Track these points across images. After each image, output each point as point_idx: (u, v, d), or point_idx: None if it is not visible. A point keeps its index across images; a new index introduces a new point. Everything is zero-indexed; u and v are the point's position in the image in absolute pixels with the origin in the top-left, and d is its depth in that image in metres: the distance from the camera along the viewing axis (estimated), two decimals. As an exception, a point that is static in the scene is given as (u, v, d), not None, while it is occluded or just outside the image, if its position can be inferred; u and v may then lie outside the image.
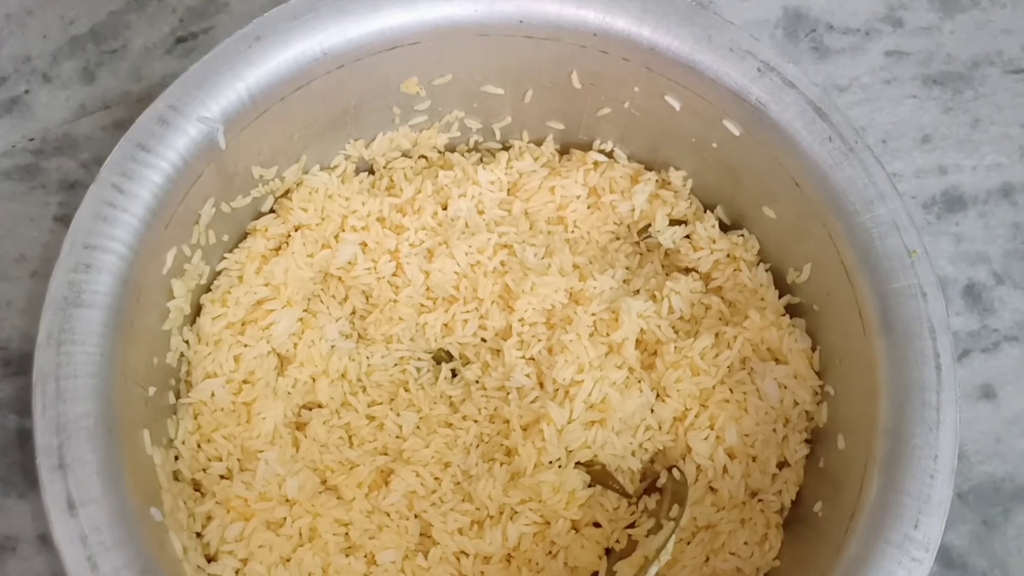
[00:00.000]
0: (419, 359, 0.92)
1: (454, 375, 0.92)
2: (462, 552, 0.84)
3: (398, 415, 0.88)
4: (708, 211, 0.93)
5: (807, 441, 0.86)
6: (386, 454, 0.88)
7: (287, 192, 0.89)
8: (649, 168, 0.94)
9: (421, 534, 0.86)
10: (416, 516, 0.85)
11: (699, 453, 0.85)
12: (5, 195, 0.97)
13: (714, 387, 0.86)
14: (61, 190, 0.98)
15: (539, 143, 0.96)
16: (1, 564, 0.88)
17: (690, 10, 0.80)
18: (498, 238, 0.91)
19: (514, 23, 0.81)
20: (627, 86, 0.85)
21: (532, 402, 0.86)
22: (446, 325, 0.90)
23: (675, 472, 0.85)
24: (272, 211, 0.89)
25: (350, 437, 0.88)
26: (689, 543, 0.85)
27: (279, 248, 0.89)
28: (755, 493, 0.86)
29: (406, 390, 0.90)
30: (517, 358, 0.87)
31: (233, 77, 0.75)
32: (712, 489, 0.86)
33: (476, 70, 0.86)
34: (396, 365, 0.92)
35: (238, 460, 0.82)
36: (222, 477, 0.82)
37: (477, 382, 0.90)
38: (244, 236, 0.89)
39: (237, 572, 0.78)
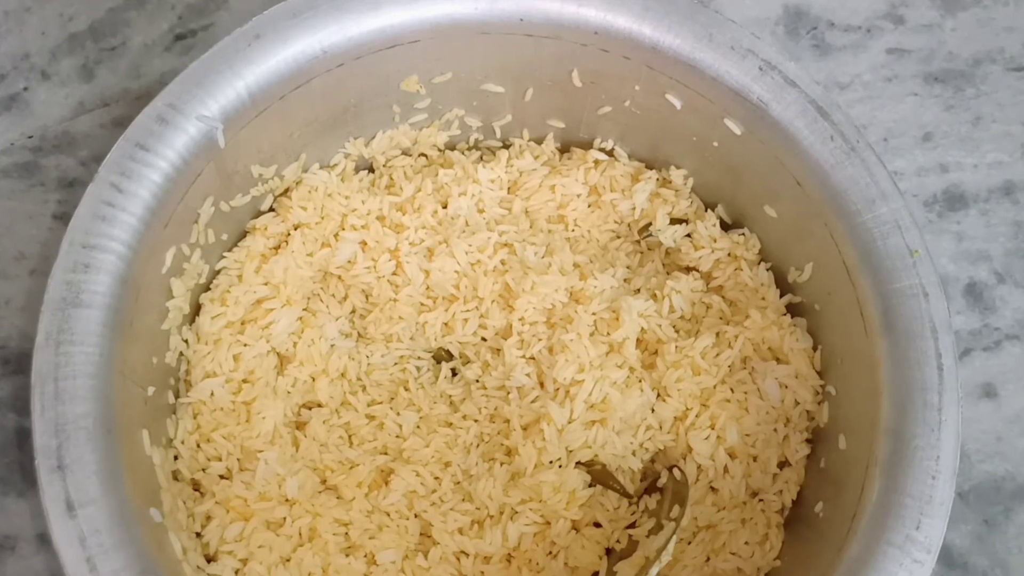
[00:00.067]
0: (419, 358, 0.92)
1: (454, 374, 0.92)
2: (462, 552, 0.84)
3: (398, 414, 0.88)
4: (709, 210, 0.93)
5: (808, 441, 0.86)
6: (386, 453, 0.88)
7: (286, 191, 0.89)
8: (650, 167, 0.94)
9: (421, 534, 0.85)
10: (416, 516, 0.85)
11: (700, 453, 0.85)
12: (4, 193, 0.97)
13: (715, 387, 0.86)
14: (60, 188, 0.98)
15: (539, 141, 0.96)
16: (0, 563, 0.88)
17: (691, 8, 0.80)
18: (498, 237, 0.91)
19: (515, 21, 0.80)
20: (628, 84, 0.85)
21: (532, 402, 0.86)
22: (446, 324, 0.90)
23: (676, 472, 0.85)
24: (271, 210, 0.89)
25: (350, 436, 0.88)
26: (690, 543, 0.85)
27: (278, 247, 0.88)
28: (756, 493, 0.86)
29: (406, 389, 0.90)
30: (517, 357, 0.87)
31: (232, 75, 0.75)
32: (713, 489, 0.86)
33: (476, 68, 0.86)
34: (396, 364, 0.91)
35: (238, 460, 0.82)
36: (222, 477, 0.82)
37: (477, 381, 0.89)
38: (243, 235, 0.88)
39: (237, 572, 0.78)
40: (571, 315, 0.87)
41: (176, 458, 0.80)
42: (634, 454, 0.87)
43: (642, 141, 0.92)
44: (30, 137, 0.99)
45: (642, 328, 0.88)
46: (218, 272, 0.86)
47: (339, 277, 0.90)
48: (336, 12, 0.77)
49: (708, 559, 0.84)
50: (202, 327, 0.83)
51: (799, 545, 0.82)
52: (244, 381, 0.84)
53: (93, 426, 0.66)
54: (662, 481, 0.86)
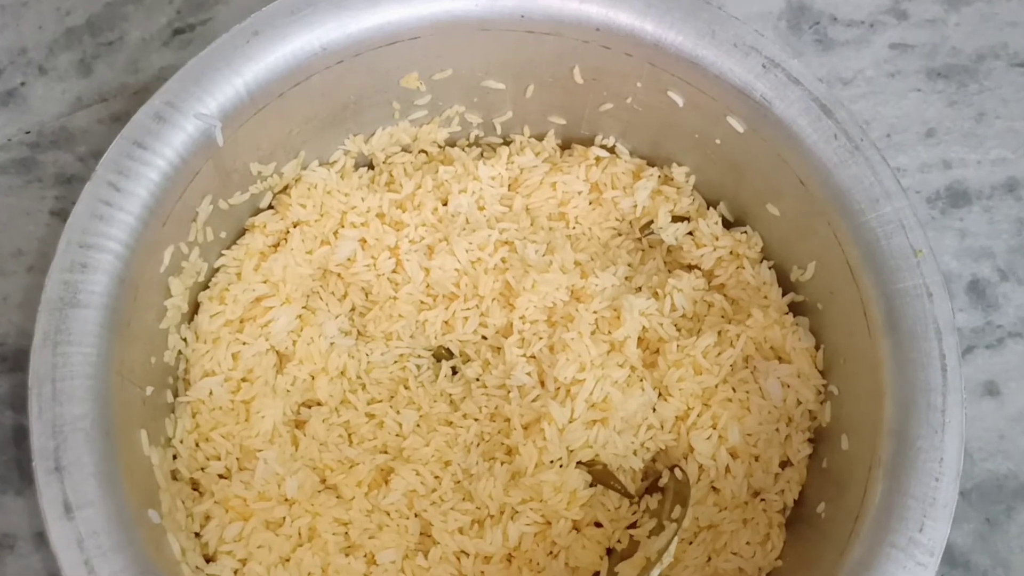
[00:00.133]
0: (419, 356, 0.91)
1: (454, 373, 0.91)
2: (462, 552, 0.84)
3: (398, 413, 0.88)
4: (711, 208, 0.93)
5: (810, 441, 0.85)
6: (386, 452, 0.87)
7: (286, 188, 0.88)
8: (651, 164, 0.93)
9: (421, 533, 0.85)
10: (416, 515, 0.85)
11: (701, 453, 0.84)
12: (1, 189, 0.97)
13: (716, 386, 0.86)
14: (57, 184, 0.97)
15: (540, 138, 0.95)
16: (-1, 562, 0.88)
17: (694, 5, 0.80)
18: (499, 234, 0.90)
19: (515, 18, 0.80)
20: (630, 81, 0.84)
21: (533, 401, 0.86)
22: (446, 322, 0.89)
23: (677, 472, 0.85)
24: (271, 207, 0.89)
25: (349, 435, 0.88)
26: (691, 543, 0.84)
27: (278, 245, 0.88)
28: (758, 493, 0.86)
29: (406, 388, 0.89)
30: (518, 356, 0.87)
31: (231, 73, 0.75)
32: (714, 489, 0.85)
33: (477, 65, 0.86)
34: (396, 362, 0.91)
35: (237, 459, 0.82)
36: (221, 476, 0.81)
37: (478, 380, 0.89)
38: (242, 233, 0.88)
39: (236, 572, 0.78)
40: (572, 313, 0.87)
41: (175, 457, 0.80)
42: (635, 454, 0.86)
43: (644, 138, 0.92)
44: (27, 133, 0.99)
45: (643, 327, 0.88)
46: (217, 270, 0.86)
47: (339, 275, 0.89)
48: (335, 9, 0.77)
49: (709, 559, 0.84)
50: (201, 326, 0.83)
51: (801, 545, 0.82)
52: (243, 380, 0.84)
53: (91, 427, 0.66)
54: (663, 481, 0.85)
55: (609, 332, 0.87)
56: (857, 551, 0.71)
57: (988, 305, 1.01)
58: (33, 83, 1.01)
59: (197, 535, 0.79)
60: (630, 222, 0.94)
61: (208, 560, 0.78)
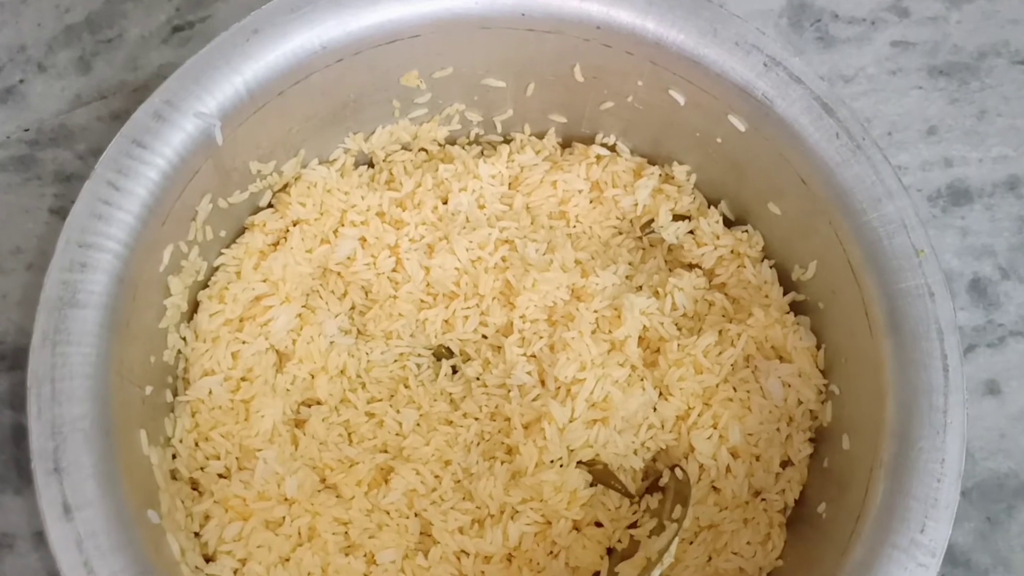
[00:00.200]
0: (419, 355, 0.91)
1: (454, 372, 0.91)
2: (462, 551, 0.83)
3: (398, 412, 0.88)
4: (712, 206, 0.92)
5: (811, 440, 0.85)
6: (386, 452, 0.87)
7: (285, 187, 0.88)
8: (652, 162, 0.93)
9: (421, 533, 0.85)
10: (416, 515, 0.85)
11: (702, 452, 0.84)
12: (0, 187, 0.96)
13: (717, 385, 0.86)
14: (57, 181, 0.97)
15: (541, 136, 0.95)
16: (-2, 561, 0.88)
17: (695, 3, 0.79)
18: (499, 233, 0.90)
19: (516, 16, 0.80)
20: (631, 80, 0.84)
21: (533, 400, 0.86)
22: (446, 321, 0.89)
23: (678, 471, 0.84)
24: (270, 206, 0.88)
25: (349, 434, 0.87)
26: (692, 543, 0.84)
27: (277, 243, 0.88)
28: (758, 492, 0.86)
29: (406, 387, 0.89)
30: (518, 355, 0.87)
31: (230, 71, 0.75)
32: (715, 488, 0.85)
33: (477, 63, 0.85)
34: (396, 361, 0.91)
35: (236, 459, 0.81)
36: (220, 476, 0.81)
37: (478, 379, 0.89)
38: (242, 231, 0.88)
39: (236, 572, 0.78)
40: (572, 312, 0.87)
41: (174, 457, 0.80)
42: (636, 453, 0.86)
43: (645, 136, 0.91)
44: (26, 130, 0.99)
45: (644, 326, 0.87)
46: (216, 269, 0.85)
47: (338, 274, 0.89)
48: (335, 7, 0.76)
49: (710, 559, 0.84)
50: (200, 325, 0.83)
51: (802, 545, 0.82)
52: (243, 379, 0.84)
53: (90, 428, 0.66)
54: (664, 481, 0.85)
55: (610, 331, 0.87)
56: (858, 552, 0.70)
57: (989, 304, 1.01)
58: (32, 80, 1.00)
59: (196, 535, 0.78)
60: (631, 221, 0.94)
61: (208, 560, 0.78)
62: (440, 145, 0.94)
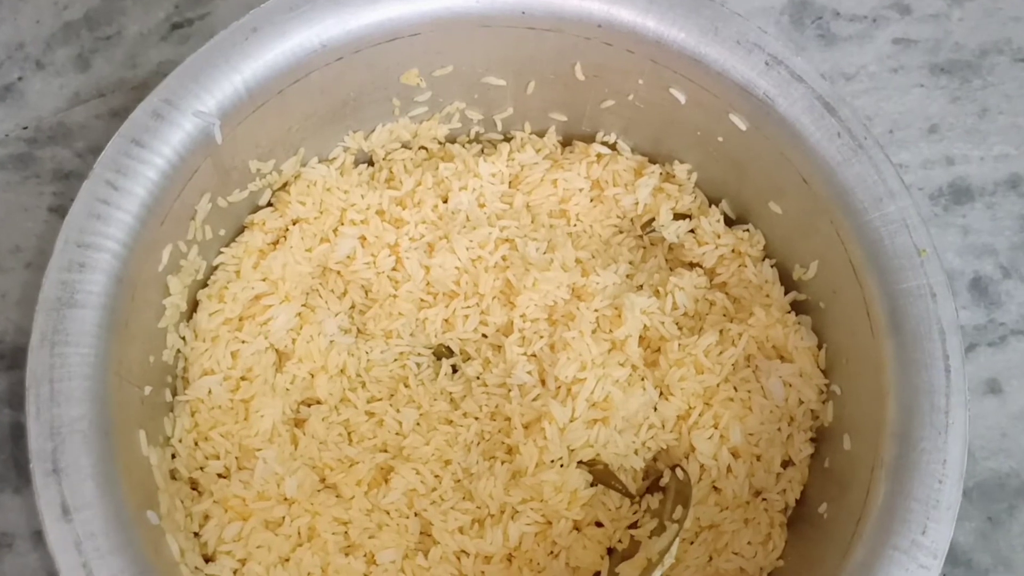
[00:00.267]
0: (419, 355, 0.91)
1: (455, 371, 0.91)
2: (463, 551, 0.83)
3: (398, 411, 0.87)
4: (713, 205, 0.92)
5: (812, 440, 0.85)
6: (386, 451, 0.87)
7: (285, 185, 0.88)
8: (653, 161, 0.93)
9: (421, 533, 0.85)
10: (416, 514, 0.84)
11: (703, 452, 0.84)
12: (-1, 185, 0.96)
13: (718, 385, 0.85)
14: (56, 180, 0.97)
15: (541, 135, 0.94)
16: (-3, 560, 0.88)
17: (696, 1, 0.79)
18: (499, 232, 0.90)
19: (516, 14, 0.79)
20: (631, 78, 0.84)
21: (534, 400, 0.85)
22: (446, 321, 0.89)
23: (678, 471, 0.84)
24: (270, 205, 0.88)
25: (349, 434, 0.87)
26: (692, 543, 0.84)
27: (277, 242, 0.88)
28: (759, 492, 0.85)
29: (406, 386, 0.89)
30: (518, 355, 0.86)
31: (229, 70, 0.74)
32: (716, 488, 0.85)
33: (478, 61, 0.85)
34: (396, 361, 0.90)
35: (236, 458, 0.81)
36: (220, 476, 0.81)
37: (478, 378, 0.88)
38: (241, 230, 0.87)
39: (235, 572, 0.78)
40: (573, 312, 0.86)
41: (173, 457, 0.80)
42: (636, 453, 0.86)
43: (645, 135, 0.91)
44: (25, 128, 0.98)
45: (645, 325, 0.87)
46: (216, 268, 0.85)
47: (338, 273, 0.89)
48: (334, 5, 0.76)
49: (710, 559, 0.84)
50: (200, 324, 0.83)
51: (802, 545, 0.82)
52: (242, 378, 0.83)
53: (89, 428, 0.66)
54: (664, 480, 0.85)
55: (610, 331, 0.86)
56: (859, 553, 0.70)
57: (990, 302, 1.01)
58: (31, 78, 1.00)
59: (196, 535, 0.78)
60: (631, 220, 0.94)
61: (207, 560, 0.78)
62: (440, 143, 0.94)
